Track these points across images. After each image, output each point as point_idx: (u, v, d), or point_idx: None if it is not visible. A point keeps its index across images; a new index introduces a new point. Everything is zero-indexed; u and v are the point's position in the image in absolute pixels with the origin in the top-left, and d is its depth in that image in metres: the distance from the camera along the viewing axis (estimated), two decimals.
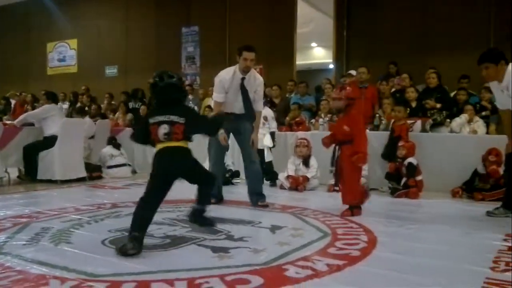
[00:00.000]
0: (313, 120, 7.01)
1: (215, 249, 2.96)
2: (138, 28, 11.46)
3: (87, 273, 2.51)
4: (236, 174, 6.30)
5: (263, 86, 4.62)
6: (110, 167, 7.06)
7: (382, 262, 2.73)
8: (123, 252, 2.77)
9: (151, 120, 3.03)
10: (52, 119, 6.37)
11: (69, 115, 8.48)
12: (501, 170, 4.88)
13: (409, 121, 5.75)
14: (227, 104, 4.46)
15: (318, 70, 13.87)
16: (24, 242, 3.14)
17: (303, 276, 2.47)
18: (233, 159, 6.56)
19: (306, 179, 5.68)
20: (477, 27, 7.66)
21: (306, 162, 5.82)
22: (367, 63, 7.42)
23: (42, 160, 6.23)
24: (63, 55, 12.87)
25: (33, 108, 8.84)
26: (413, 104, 6.31)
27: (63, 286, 2.33)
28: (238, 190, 5.76)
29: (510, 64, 3.62)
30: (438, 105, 6.10)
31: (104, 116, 8.50)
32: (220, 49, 10.16)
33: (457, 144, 5.52)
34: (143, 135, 3.13)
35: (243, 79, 4.38)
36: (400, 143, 5.33)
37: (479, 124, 5.70)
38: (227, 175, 6.19)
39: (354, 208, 4.05)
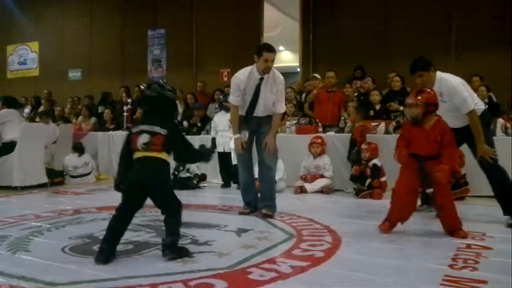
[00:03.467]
0: None
1: None
2: (103, 30, 11.23)
3: (45, 281, 2.44)
4: (202, 178, 6.26)
5: (284, 85, 4.35)
6: (73, 176, 6.87)
7: (345, 262, 2.76)
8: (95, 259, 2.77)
9: (134, 130, 2.96)
10: (11, 124, 6.16)
11: (31, 119, 8.22)
12: (463, 170, 5.04)
13: (373, 123, 5.86)
14: (246, 107, 4.26)
15: (286, 74, 13.89)
16: None
17: (267, 279, 2.47)
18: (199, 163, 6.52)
19: None
20: (439, 33, 7.89)
21: None
22: (333, 67, 7.51)
23: (1, 166, 6.02)
24: (24, 58, 12.47)
25: None
26: (377, 107, 6.45)
27: None
28: (205, 194, 5.74)
29: (438, 72, 3.83)
30: (401, 108, 6.23)
31: (66, 120, 8.29)
32: (186, 52, 10.10)
33: None
34: (128, 150, 2.96)
35: (261, 79, 4.16)
36: (364, 146, 5.42)
37: None
38: (194, 181, 6.13)
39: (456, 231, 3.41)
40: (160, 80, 3.06)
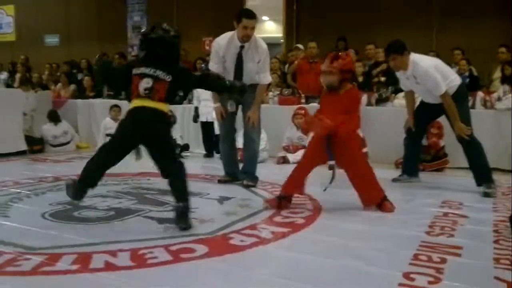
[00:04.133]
0: None
1: (160, 221, 2.94)
2: None
3: (25, 246, 2.42)
4: (185, 147, 6.23)
5: (268, 55, 4.14)
6: (53, 146, 6.77)
7: (325, 229, 2.81)
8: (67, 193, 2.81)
9: (135, 71, 2.73)
10: None
11: (8, 86, 8.02)
12: (441, 142, 5.12)
13: None
14: (227, 75, 3.99)
15: (269, 45, 13.74)
16: None
17: (248, 244, 2.50)
18: (182, 133, 6.48)
19: None
20: (421, 5, 7.88)
21: None
22: (317, 38, 7.45)
23: None
24: None
25: None
26: (360, 79, 6.45)
27: None
28: (187, 164, 5.67)
29: (412, 54, 3.89)
30: (383, 79, 6.28)
31: (45, 87, 8.10)
32: (168, 20, 9.74)
33: (401, 117, 5.68)
34: (123, 79, 2.83)
35: (241, 47, 3.97)
36: None
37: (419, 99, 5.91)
38: (177, 150, 6.07)
39: (383, 202, 3.26)
40: (165, 24, 2.83)
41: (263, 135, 5.78)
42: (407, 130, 4.35)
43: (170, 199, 3.46)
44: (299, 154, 5.68)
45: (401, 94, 5.94)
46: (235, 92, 3.15)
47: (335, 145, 3.18)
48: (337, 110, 3.19)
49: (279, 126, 6.03)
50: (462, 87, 4.03)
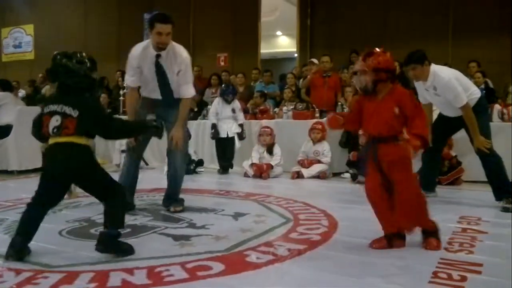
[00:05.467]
0: (276, 109, 7.04)
1: (176, 238, 2.94)
2: (98, 13, 11.16)
3: (42, 264, 2.44)
4: (199, 163, 6.26)
5: (189, 64, 3.66)
6: None
7: (341, 245, 2.78)
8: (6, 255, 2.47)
9: (45, 109, 2.52)
10: (6, 107, 6.12)
11: (28, 103, 8.17)
12: (452, 152, 5.05)
13: None
14: (148, 89, 3.68)
15: (283, 59, 13.89)
16: None
17: (264, 261, 2.49)
18: (196, 147, 6.51)
19: (270, 166, 5.71)
20: (436, 18, 7.87)
21: (270, 150, 5.86)
22: (330, 52, 7.50)
23: None
24: (18, 41, 12.36)
25: None
26: None
27: (18, 277, 2.26)
28: (202, 179, 5.73)
29: (432, 64, 3.85)
30: None
31: None
32: (183, 37, 9.98)
33: None
34: (38, 128, 2.58)
35: (157, 56, 3.53)
36: (361, 132, 5.40)
37: (437, 112, 5.86)
38: (191, 166, 6.10)
39: (431, 234, 2.72)
40: (72, 52, 2.58)
41: (277, 150, 5.82)
42: None
43: (185, 215, 3.51)
44: (313, 168, 5.67)
45: None
46: (152, 131, 2.94)
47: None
48: (377, 117, 2.67)
49: (293, 141, 6.04)
50: (482, 99, 3.97)
